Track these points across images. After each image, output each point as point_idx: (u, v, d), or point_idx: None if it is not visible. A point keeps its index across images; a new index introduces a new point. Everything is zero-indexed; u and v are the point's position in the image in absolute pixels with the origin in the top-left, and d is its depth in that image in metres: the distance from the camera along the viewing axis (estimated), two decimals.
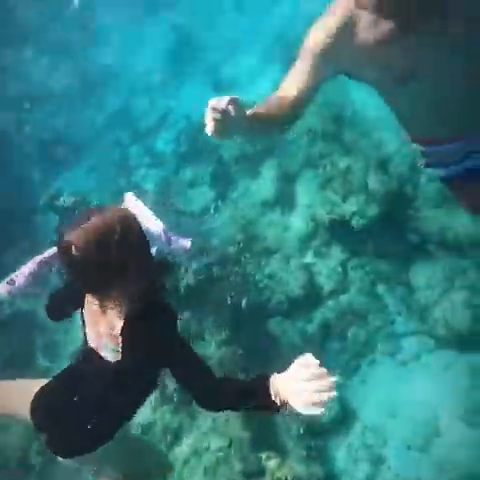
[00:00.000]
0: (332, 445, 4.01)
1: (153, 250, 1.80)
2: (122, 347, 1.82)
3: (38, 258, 2.52)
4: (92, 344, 1.93)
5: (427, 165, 2.53)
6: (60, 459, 2.06)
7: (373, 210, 4.59)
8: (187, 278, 4.55)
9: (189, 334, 4.38)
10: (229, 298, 4.48)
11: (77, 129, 6.99)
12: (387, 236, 4.58)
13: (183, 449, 4.03)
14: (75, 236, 1.61)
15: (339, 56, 1.96)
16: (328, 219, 4.74)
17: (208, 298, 4.50)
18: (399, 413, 3.93)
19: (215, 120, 1.62)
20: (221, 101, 1.61)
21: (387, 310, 4.33)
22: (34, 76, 7.41)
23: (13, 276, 2.47)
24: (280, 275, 4.72)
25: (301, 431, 3.99)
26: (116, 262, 1.65)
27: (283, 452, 3.91)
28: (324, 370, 1.63)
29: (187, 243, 2.67)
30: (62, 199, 5.34)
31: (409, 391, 3.99)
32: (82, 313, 1.96)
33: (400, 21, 1.87)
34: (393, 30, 1.88)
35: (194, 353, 1.84)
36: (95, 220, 1.64)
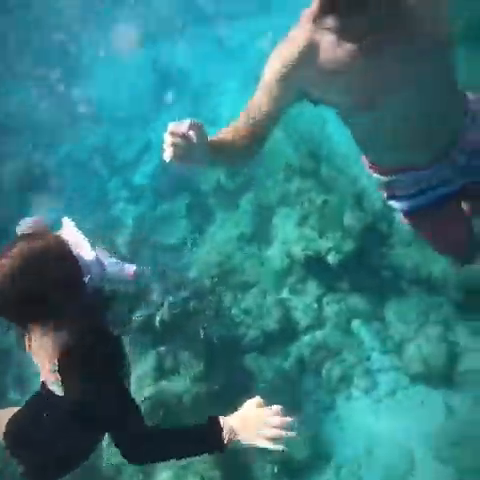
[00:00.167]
0: None
1: (86, 278, 1.71)
2: (62, 382, 1.72)
3: None
4: (42, 377, 1.89)
5: (390, 197, 2.43)
6: None
7: (349, 246, 4.63)
8: (162, 312, 4.53)
9: (164, 369, 4.34)
10: (204, 333, 4.45)
11: (54, 161, 6.99)
12: (362, 272, 4.61)
13: None
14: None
15: (299, 82, 1.89)
16: (304, 255, 4.77)
17: (183, 332, 4.46)
18: (374, 450, 3.90)
19: (174, 145, 1.52)
20: (181, 125, 1.53)
21: (362, 346, 4.33)
22: (11, 107, 7.42)
23: None
24: (256, 310, 4.70)
25: (275, 470, 3.94)
26: (42, 291, 1.55)
27: None
28: (278, 408, 1.59)
29: (130, 270, 2.59)
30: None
31: (384, 428, 3.97)
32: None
33: (362, 42, 1.79)
34: (355, 52, 1.80)
35: (130, 397, 1.71)
36: (22, 246, 1.56)
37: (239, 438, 1.57)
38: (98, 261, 1.96)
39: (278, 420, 1.55)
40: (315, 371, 4.41)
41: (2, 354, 5.14)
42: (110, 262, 2.39)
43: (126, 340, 4.47)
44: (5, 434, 2.04)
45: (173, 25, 8.06)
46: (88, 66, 7.92)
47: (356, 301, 4.51)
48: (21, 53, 7.91)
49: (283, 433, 1.53)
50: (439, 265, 4.18)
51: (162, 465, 4.00)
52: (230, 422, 1.60)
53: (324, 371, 4.36)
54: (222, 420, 1.61)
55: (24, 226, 2.41)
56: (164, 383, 4.22)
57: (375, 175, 2.38)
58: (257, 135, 1.88)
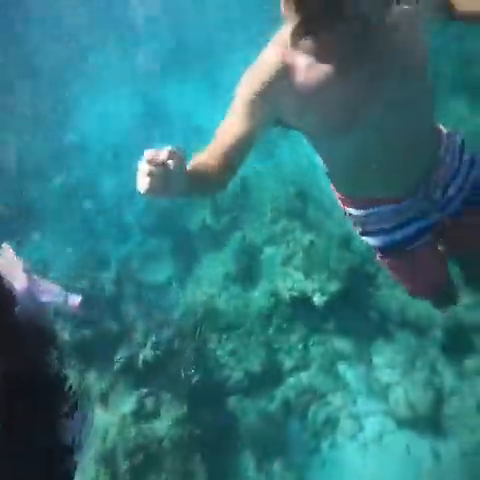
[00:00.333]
0: None
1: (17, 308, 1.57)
2: None
3: None
4: None
5: (364, 233, 2.33)
6: None
7: (335, 287, 4.62)
8: (145, 352, 4.46)
9: (145, 411, 4.25)
10: (188, 374, 4.38)
11: (43, 199, 6.98)
12: (348, 313, 4.58)
13: None
14: None
15: (273, 106, 1.79)
16: (290, 296, 4.75)
17: (166, 373, 4.39)
18: None
19: (151, 175, 1.37)
20: (160, 152, 1.39)
21: (348, 389, 4.27)
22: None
23: None
24: (241, 351, 4.65)
25: None
26: None
27: None
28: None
29: (75, 301, 2.51)
30: None
31: (370, 473, 3.88)
32: None
33: (339, 65, 1.71)
34: (331, 75, 1.72)
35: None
36: None
37: None
38: (29, 291, 1.85)
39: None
40: (300, 414, 4.33)
41: None
42: (53, 292, 2.30)
43: (106, 381, 4.40)
44: None
45: (165, 61, 8.19)
46: (78, 100, 7.98)
47: (342, 343, 4.48)
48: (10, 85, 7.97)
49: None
50: (425, 307, 4.16)
51: None
52: None
53: (309, 414, 4.29)
54: None
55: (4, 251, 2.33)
56: (145, 425, 4.13)
57: (348, 209, 2.29)
58: (231, 163, 1.77)
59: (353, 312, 4.57)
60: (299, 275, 4.84)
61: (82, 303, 2.45)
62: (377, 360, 4.27)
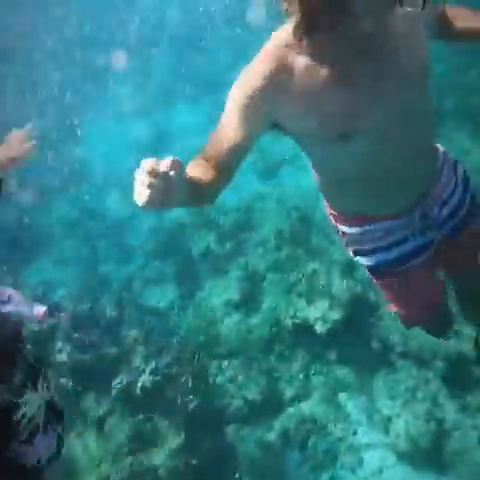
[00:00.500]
0: None
1: None
2: None
3: None
4: None
5: (358, 252, 2.18)
6: None
7: (337, 315, 4.59)
8: (144, 379, 4.41)
9: (141, 439, 4.19)
10: (186, 401, 4.32)
11: (48, 220, 7.01)
12: (351, 342, 4.54)
13: None
14: None
15: (269, 110, 1.68)
16: (292, 323, 4.71)
17: (164, 400, 4.33)
18: None
19: (152, 188, 1.25)
20: (161, 163, 1.27)
21: (349, 420, 4.20)
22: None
23: None
24: (241, 379, 4.60)
25: None
26: None
27: None
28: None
29: (40, 311, 2.44)
30: None
31: None
32: None
33: (339, 67, 1.61)
34: (331, 77, 1.61)
35: None
36: None
37: None
38: None
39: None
40: (300, 444, 4.26)
41: None
42: (18, 301, 2.23)
43: (103, 406, 4.34)
44: None
45: (173, 83, 8.25)
46: (84, 125, 8.04)
47: (344, 372, 4.42)
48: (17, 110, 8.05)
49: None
50: (428, 339, 4.10)
51: None
52: None
53: (309, 445, 4.22)
54: None
55: None
56: (141, 454, 4.06)
57: (341, 227, 2.17)
58: (226, 171, 1.66)
59: (355, 341, 4.53)
60: (302, 302, 4.81)
61: (46, 312, 2.36)
62: (378, 391, 4.20)
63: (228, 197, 6.55)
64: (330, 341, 4.57)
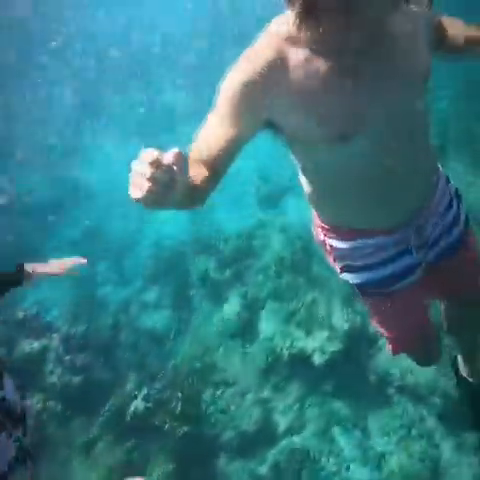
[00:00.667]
0: None
1: None
2: None
3: None
4: None
5: (346, 269, 2.08)
6: None
7: (335, 347, 4.53)
8: (136, 404, 4.34)
9: (130, 466, 4.09)
10: (178, 429, 4.23)
11: (48, 239, 6.99)
12: (348, 374, 4.45)
13: None
14: None
15: (264, 105, 1.56)
16: (289, 353, 4.64)
17: (155, 427, 4.25)
18: None
19: (153, 181, 1.12)
20: (165, 154, 1.14)
21: (342, 455, 4.09)
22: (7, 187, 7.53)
23: None
24: (235, 409, 4.51)
25: None
26: None
27: None
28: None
29: None
30: None
31: None
32: None
33: (339, 61, 1.52)
34: (330, 71, 1.52)
35: None
36: None
37: None
38: None
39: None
40: (292, 478, 4.15)
41: None
42: None
43: (92, 432, 4.26)
44: None
45: (175, 107, 8.27)
46: (87, 146, 8.07)
47: (339, 405, 4.32)
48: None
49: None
50: (426, 374, 4.03)
51: None
52: None
53: (301, 479, 4.11)
54: None
55: None
56: None
57: (330, 241, 2.06)
58: (215, 172, 1.51)
59: (352, 373, 4.45)
60: (300, 332, 4.77)
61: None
62: (373, 426, 4.10)
63: (229, 223, 6.53)
64: (327, 372, 4.49)
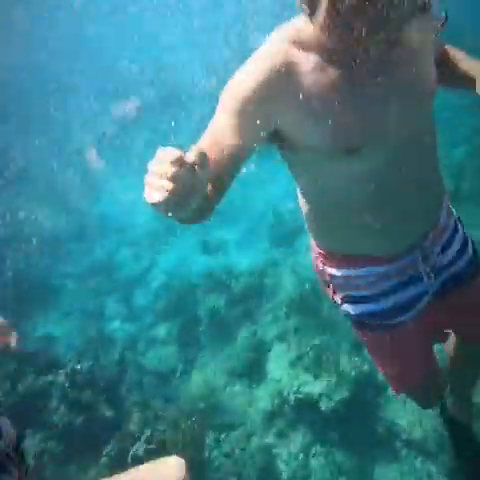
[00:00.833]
0: None
1: None
2: None
3: None
4: None
5: (346, 300, 1.94)
6: None
7: (343, 394, 4.44)
8: (137, 445, 4.26)
9: None
10: None
11: (60, 271, 7.01)
12: (355, 424, 4.35)
13: None
14: None
15: (271, 114, 1.46)
16: (295, 398, 4.56)
17: None
18: None
19: (175, 180, 1.01)
20: (188, 153, 1.05)
21: None
22: (23, 218, 7.58)
23: None
24: (238, 454, 4.41)
25: None
26: None
27: None
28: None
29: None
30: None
31: None
32: None
33: (351, 68, 1.45)
34: (344, 78, 1.45)
35: None
36: None
37: None
38: None
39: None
40: None
41: None
42: None
43: (90, 474, 4.18)
44: None
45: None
46: (101, 179, 8.14)
47: (344, 456, 4.21)
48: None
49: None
50: (435, 428, 3.92)
51: None
52: None
53: None
54: None
55: None
56: None
57: (329, 270, 1.92)
58: (219, 186, 1.40)
59: (359, 423, 4.34)
60: (307, 377, 4.68)
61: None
62: None
63: (241, 260, 6.51)
64: (333, 420, 4.39)
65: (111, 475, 4.15)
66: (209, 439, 4.55)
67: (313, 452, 4.34)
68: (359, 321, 1.99)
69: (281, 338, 5.30)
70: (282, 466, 4.32)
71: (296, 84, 1.44)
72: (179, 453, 4.26)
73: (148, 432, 4.36)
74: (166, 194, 1.01)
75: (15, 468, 1.58)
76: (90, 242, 7.29)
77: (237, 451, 4.45)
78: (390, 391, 4.36)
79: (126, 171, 7.66)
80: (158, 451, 4.27)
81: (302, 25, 1.47)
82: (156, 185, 1.03)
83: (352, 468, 4.13)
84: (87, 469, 4.20)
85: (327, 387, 4.49)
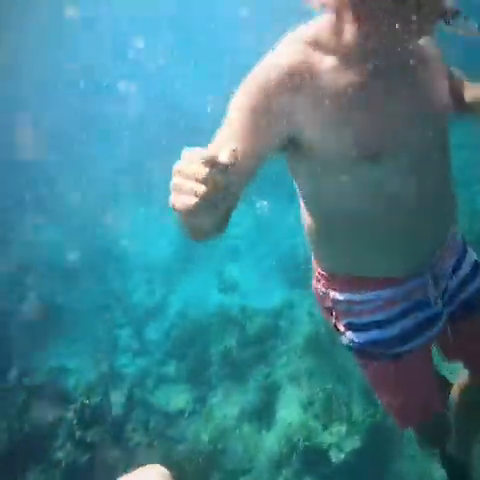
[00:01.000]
0: None
1: None
2: None
3: None
4: None
5: (349, 327, 1.80)
6: None
7: (354, 444, 4.32)
8: None
9: None
10: None
11: (73, 302, 7.01)
12: (365, 476, 4.23)
13: None
14: None
15: (288, 119, 1.37)
16: (304, 446, 4.45)
17: None
18: None
19: (207, 181, 0.91)
20: (220, 153, 0.92)
21: None
22: (38, 245, 7.65)
23: None
24: None
25: None
26: None
27: None
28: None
29: None
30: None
31: None
32: None
33: (369, 72, 1.41)
34: (365, 82, 1.40)
35: None
36: None
37: None
38: None
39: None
40: None
41: None
42: None
43: None
44: None
45: None
46: (120, 211, 8.16)
47: None
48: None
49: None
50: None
51: None
52: None
53: None
54: None
55: None
56: None
57: (333, 294, 1.79)
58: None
59: (370, 475, 4.22)
60: (317, 424, 4.59)
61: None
62: None
63: (256, 300, 6.45)
64: (343, 471, 4.27)
65: None
66: None
67: None
68: (362, 350, 1.85)
69: (293, 381, 5.20)
70: None
71: (315, 84, 1.38)
72: None
73: None
74: (197, 199, 0.92)
75: None
76: (103, 273, 7.30)
77: None
78: (400, 442, 4.26)
79: (144, 202, 7.71)
80: None
81: (319, 26, 1.45)
82: (184, 189, 0.93)
83: None
84: None
85: (337, 437, 4.39)
